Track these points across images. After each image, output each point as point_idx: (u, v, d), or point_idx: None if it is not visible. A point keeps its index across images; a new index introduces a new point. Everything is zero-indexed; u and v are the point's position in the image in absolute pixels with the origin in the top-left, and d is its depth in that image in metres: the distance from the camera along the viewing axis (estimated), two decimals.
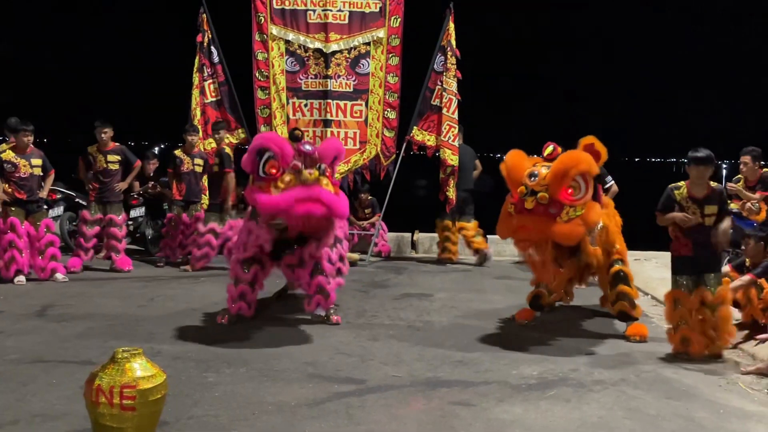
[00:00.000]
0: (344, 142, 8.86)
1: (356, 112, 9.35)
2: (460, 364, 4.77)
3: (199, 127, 8.82)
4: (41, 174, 7.45)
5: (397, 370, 4.61)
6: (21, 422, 3.56)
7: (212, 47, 9.24)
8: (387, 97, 9.35)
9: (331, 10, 9.22)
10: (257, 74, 9.30)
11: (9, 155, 7.23)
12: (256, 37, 9.30)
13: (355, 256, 8.74)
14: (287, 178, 5.06)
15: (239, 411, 3.79)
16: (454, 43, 9.28)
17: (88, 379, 3.00)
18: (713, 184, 5.07)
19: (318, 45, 9.26)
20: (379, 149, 9.35)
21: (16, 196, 7.22)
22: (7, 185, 7.20)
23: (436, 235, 9.54)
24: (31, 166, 7.32)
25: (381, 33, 9.29)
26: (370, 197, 9.93)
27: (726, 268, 5.95)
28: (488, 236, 9.68)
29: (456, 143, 9.20)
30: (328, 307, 5.81)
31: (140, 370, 3.00)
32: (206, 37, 9.18)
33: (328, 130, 9.19)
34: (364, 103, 9.34)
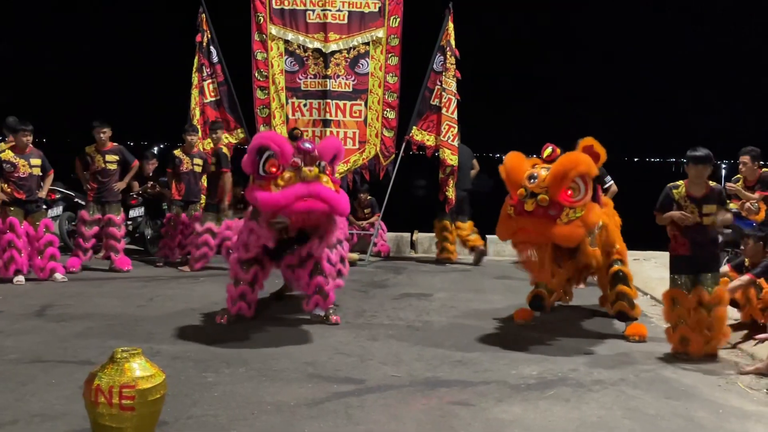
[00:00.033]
0: (343, 142, 8.85)
1: (355, 112, 9.35)
2: (460, 364, 4.77)
3: (199, 127, 8.81)
4: (40, 174, 7.45)
5: (397, 369, 4.61)
6: (20, 422, 3.56)
7: (211, 47, 9.24)
8: (386, 97, 9.36)
9: (330, 10, 9.22)
10: (256, 74, 9.30)
11: (8, 155, 7.23)
12: (256, 36, 9.30)
13: (355, 256, 8.74)
14: (287, 175, 5.07)
15: (238, 411, 3.79)
16: (453, 42, 9.28)
17: (88, 379, 3.00)
18: (712, 183, 5.07)
19: (317, 45, 9.26)
20: (378, 149, 9.35)
21: (15, 195, 7.22)
22: (6, 185, 7.20)
23: (434, 235, 9.55)
24: (30, 166, 7.32)
25: (380, 33, 9.29)
26: (369, 197, 9.93)
27: (725, 267, 5.95)
28: (487, 236, 9.69)
29: (455, 143, 9.21)
30: (327, 307, 5.80)
31: (139, 370, 3.00)
32: (205, 37, 9.18)
33: (328, 130, 9.19)
34: (363, 103, 9.34)
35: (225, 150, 8.53)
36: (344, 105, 9.32)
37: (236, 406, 3.86)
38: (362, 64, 9.31)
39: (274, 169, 5.08)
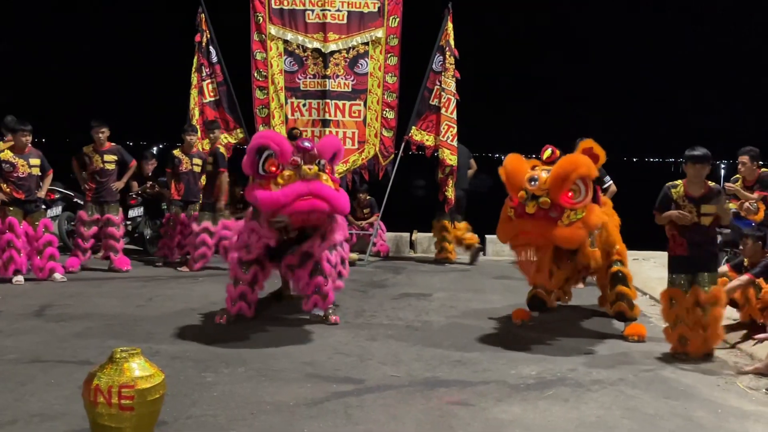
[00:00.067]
0: (343, 142, 8.85)
1: (355, 112, 9.35)
2: (459, 364, 4.77)
3: (198, 127, 8.81)
4: (39, 174, 7.45)
5: (396, 369, 4.61)
6: (19, 422, 3.56)
7: (211, 47, 9.24)
8: (385, 97, 9.36)
9: (329, 10, 9.22)
10: (256, 74, 9.30)
11: (7, 155, 7.23)
12: (255, 36, 9.30)
13: (354, 255, 8.73)
14: (287, 174, 5.07)
15: (237, 411, 3.79)
16: (452, 42, 9.28)
17: (87, 378, 3.00)
18: (711, 183, 5.08)
19: (316, 45, 9.26)
20: (377, 149, 9.35)
21: (14, 195, 7.21)
22: (5, 185, 7.20)
23: (433, 234, 9.55)
24: (30, 166, 7.32)
25: (379, 33, 9.30)
26: (368, 197, 9.93)
27: (724, 267, 5.95)
28: (486, 236, 9.70)
29: (455, 143, 9.20)
30: (326, 308, 5.80)
31: (138, 369, 3.00)
32: (205, 37, 9.18)
33: (327, 130, 9.19)
34: (362, 103, 9.34)
35: (222, 150, 8.53)
36: (343, 105, 9.32)
37: (235, 406, 3.86)
38: (361, 64, 9.31)
39: (273, 168, 5.08)
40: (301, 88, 9.32)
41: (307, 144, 5.27)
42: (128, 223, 8.99)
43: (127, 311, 6.11)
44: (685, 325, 4.99)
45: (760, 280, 5.44)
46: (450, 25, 9.28)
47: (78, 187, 8.86)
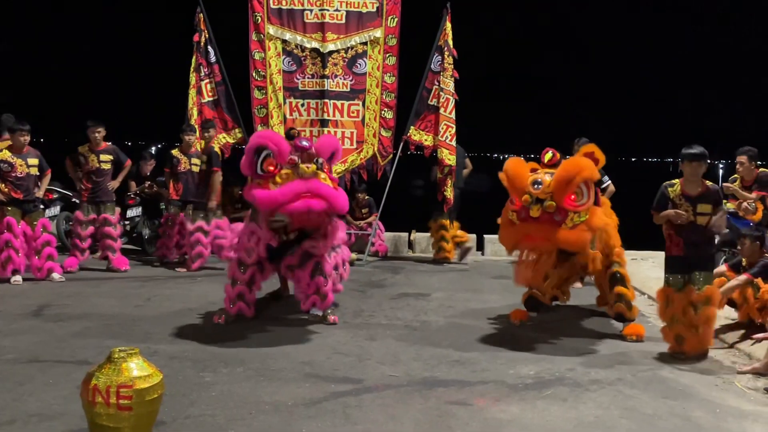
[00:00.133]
0: (341, 142, 8.85)
1: (353, 112, 9.35)
2: (457, 364, 4.77)
3: (196, 126, 8.80)
4: (38, 174, 7.44)
5: (394, 369, 4.61)
6: (18, 422, 3.56)
7: (209, 47, 9.23)
8: (384, 96, 9.36)
9: (328, 10, 9.22)
10: (254, 74, 9.30)
11: (5, 155, 7.22)
12: (253, 36, 9.30)
13: (353, 255, 8.73)
14: (285, 173, 5.06)
15: (236, 410, 3.79)
16: (451, 42, 9.27)
17: (85, 378, 3.00)
18: (709, 183, 5.08)
19: (315, 45, 9.26)
20: (376, 149, 9.35)
21: (12, 195, 7.20)
22: (3, 185, 7.19)
23: (431, 234, 9.55)
24: (28, 166, 7.31)
25: (378, 33, 9.30)
26: (367, 197, 9.93)
27: (722, 267, 5.96)
28: (485, 236, 9.70)
29: (453, 143, 9.20)
30: (325, 308, 5.79)
31: (137, 369, 2.99)
32: (203, 36, 9.17)
33: (325, 129, 9.19)
34: (361, 103, 9.34)
35: (217, 149, 8.52)
36: (342, 105, 9.32)
37: (234, 405, 3.86)
38: (360, 64, 9.31)
39: (271, 168, 5.08)
40: (300, 88, 9.32)
41: (305, 143, 5.27)
42: (126, 223, 8.99)
43: (125, 311, 6.10)
44: (682, 324, 5.00)
45: (758, 280, 5.45)
46: (449, 25, 9.28)
47: (76, 186, 8.85)
